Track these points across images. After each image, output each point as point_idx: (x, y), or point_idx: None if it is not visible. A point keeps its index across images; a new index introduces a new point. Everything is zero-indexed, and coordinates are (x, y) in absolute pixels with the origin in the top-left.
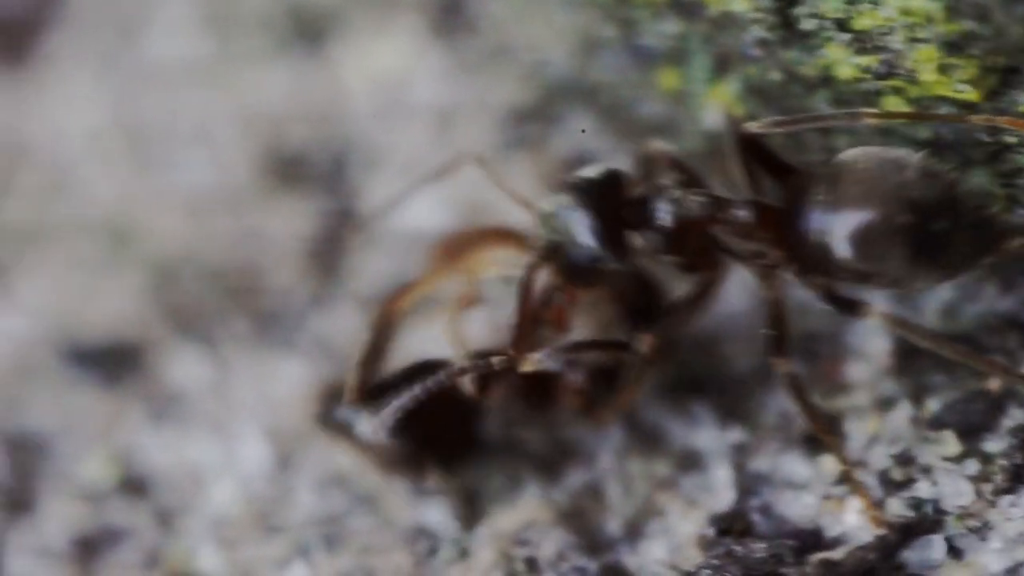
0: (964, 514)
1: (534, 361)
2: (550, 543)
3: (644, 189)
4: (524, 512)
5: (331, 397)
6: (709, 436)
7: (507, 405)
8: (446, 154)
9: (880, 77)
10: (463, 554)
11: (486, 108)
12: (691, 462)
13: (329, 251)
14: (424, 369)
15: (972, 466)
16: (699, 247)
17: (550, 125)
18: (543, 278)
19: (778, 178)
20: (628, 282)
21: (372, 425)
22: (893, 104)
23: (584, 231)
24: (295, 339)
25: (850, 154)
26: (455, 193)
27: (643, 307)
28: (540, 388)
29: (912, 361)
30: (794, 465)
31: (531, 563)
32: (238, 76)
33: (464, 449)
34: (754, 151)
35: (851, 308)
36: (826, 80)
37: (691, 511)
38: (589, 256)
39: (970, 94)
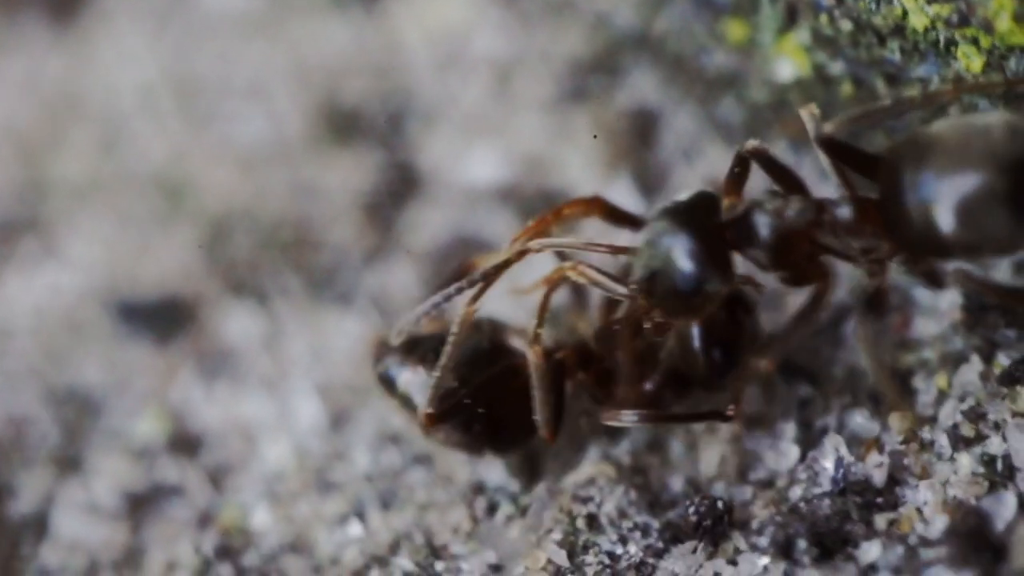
0: None
1: (625, 420)
2: (611, 500)
3: (742, 206)
4: (585, 469)
5: (384, 350)
6: (775, 393)
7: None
8: (507, 108)
9: (954, 26)
10: (523, 511)
11: (547, 61)
12: (756, 419)
13: (385, 206)
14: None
15: None
16: (804, 256)
17: (612, 78)
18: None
19: (866, 170)
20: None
21: (393, 330)
22: (967, 53)
23: (687, 257)
24: (349, 295)
25: (934, 128)
26: (512, 147)
27: (735, 329)
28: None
29: (982, 316)
30: (861, 421)
31: (592, 520)
32: (293, 29)
33: (526, 437)
34: (837, 150)
35: (942, 281)
36: (898, 29)
37: (756, 468)
38: (694, 283)
39: None
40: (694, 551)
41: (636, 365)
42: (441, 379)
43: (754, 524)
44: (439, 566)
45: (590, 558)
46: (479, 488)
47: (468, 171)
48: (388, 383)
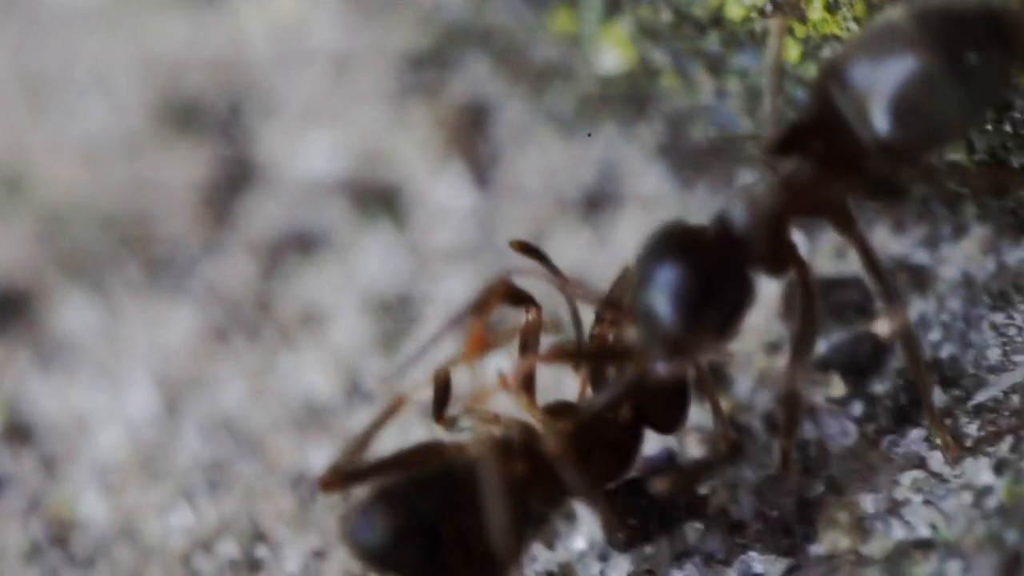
0: (847, 454)
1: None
2: None
3: (715, 217)
4: None
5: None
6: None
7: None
8: (344, 100)
9: (769, 16)
10: (345, 495)
11: (383, 53)
12: None
13: (223, 198)
14: (420, 453)
15: (857, 407)
16: (782, 239)
17: (447, 70)
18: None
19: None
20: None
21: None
22: (783, 44)
23: (686, 293)
24: (186, 286)
25: (848, 45)
26: (348, 139)
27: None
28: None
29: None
30: None
31: None
32: (136, 22)
33: None
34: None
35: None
36: (717, 21)
37: None
38: (691, 325)
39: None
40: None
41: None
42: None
43: None
44: (262, 551)
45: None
46: (305, 474)
47: (305, 163)
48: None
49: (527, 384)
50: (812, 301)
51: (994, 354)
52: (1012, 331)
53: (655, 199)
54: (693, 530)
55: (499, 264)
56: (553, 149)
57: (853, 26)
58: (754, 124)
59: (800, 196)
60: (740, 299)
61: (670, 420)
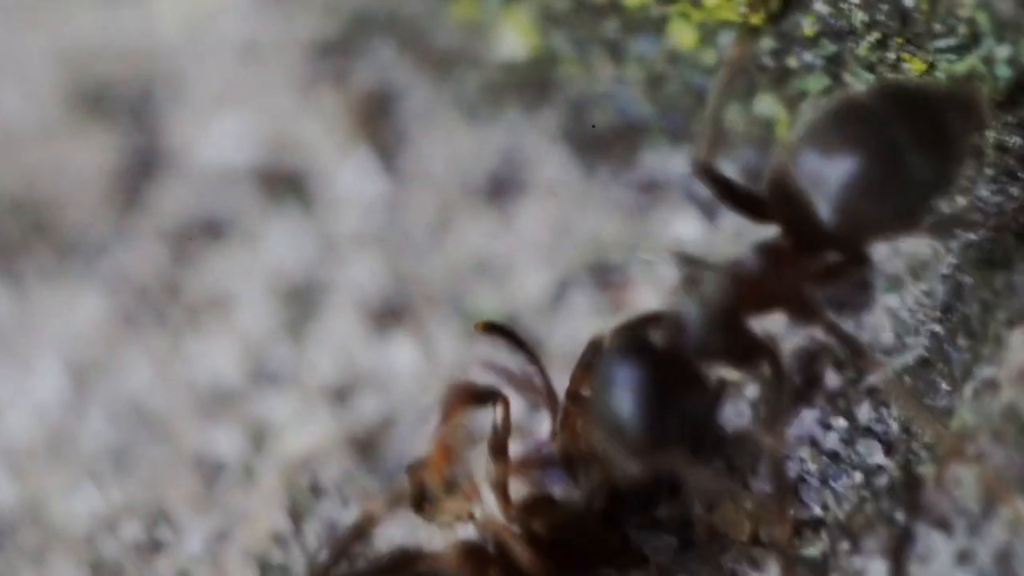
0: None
1: None
2: (336, 468)
3: (666, 321)
4: (313, 438)
5: None
6: None
7: None
8: (253, 87)
9: (666, 2)
10: (250, 479)
11: (292, 41)
12: None
13: (132, 185)
14: (395, 561)
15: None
16: (742, 329)
17: (353, 57)
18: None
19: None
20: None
21: None
22: (679, 29)
23: (644, 404)
24: (95, 271)
25: (797, 133)
26: (259, 127)
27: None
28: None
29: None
30: None
31: (315, 488)
32: (48, 10)
33: None
34: (721, 185)
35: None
36: (615, 6)
37: None
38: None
39: (754, 17)
40: None
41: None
42: None
43: None
44: (166, 533)
45: (313, 524)
46: (209, 456)
47: (214, 149)
48: None
49: (501, 488)
50: (782, 386)
51: (887, 337)
52: (904, 314)
53: (558, 184)
54: None
55: (406, 250)
56: (458, 134)
57: (746, 11)
58: (655, 109)
59: (751, 289)
60: (701, 402)
61: (646, 505)
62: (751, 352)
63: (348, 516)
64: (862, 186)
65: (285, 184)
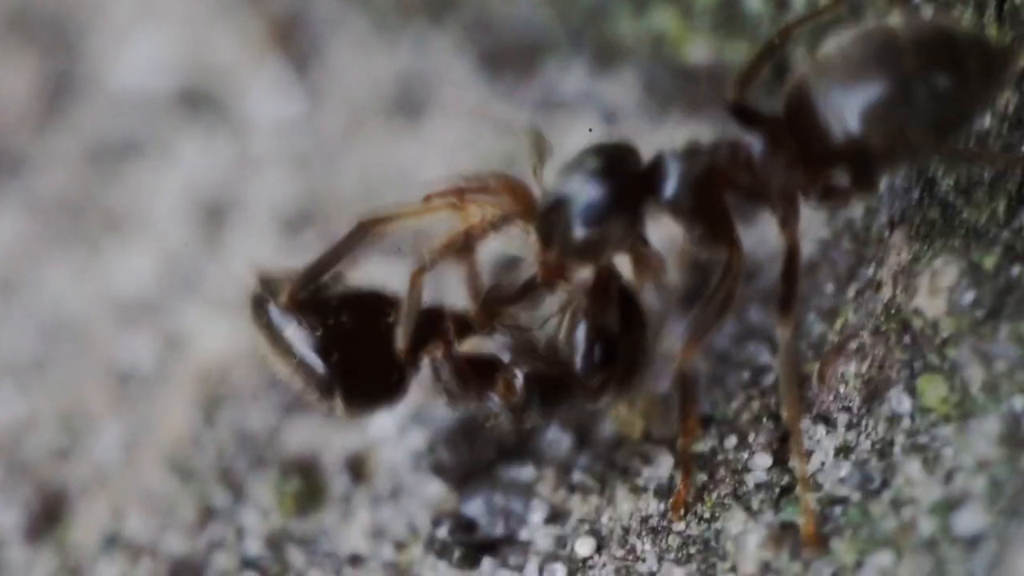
0: None
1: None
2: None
3: (653, 155)
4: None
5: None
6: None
7: (435, 374)
8: (166, 4)
9: None
10: (163, 384)
11: None
12: None
13: (48, 105)
14: (368, 300)
15: None
16: (717, 209)
17: None
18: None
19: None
20: (612, 277)
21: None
22: None
23: (597, 196)
24: (11, 190)
25: (833, 43)
26: (173, 45)
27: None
28: (476, 370)
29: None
30: None
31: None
32: None
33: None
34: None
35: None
36: None
37: None
38: (596, 218)
39: None
40: None
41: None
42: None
43: None
44: (80, 440)
45: (225, 430)
46: (124, 363)
47: (129, 68)
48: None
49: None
50: (732, 285)
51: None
52: None
53: (469, 94)
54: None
55: (318, 163)
56: (371, 47)
57: None
58: (558, 21)
59: (742, 171)
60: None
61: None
62: (716, 231)
63: (259, 421)
64: (876, 111)
65: (200, 101)
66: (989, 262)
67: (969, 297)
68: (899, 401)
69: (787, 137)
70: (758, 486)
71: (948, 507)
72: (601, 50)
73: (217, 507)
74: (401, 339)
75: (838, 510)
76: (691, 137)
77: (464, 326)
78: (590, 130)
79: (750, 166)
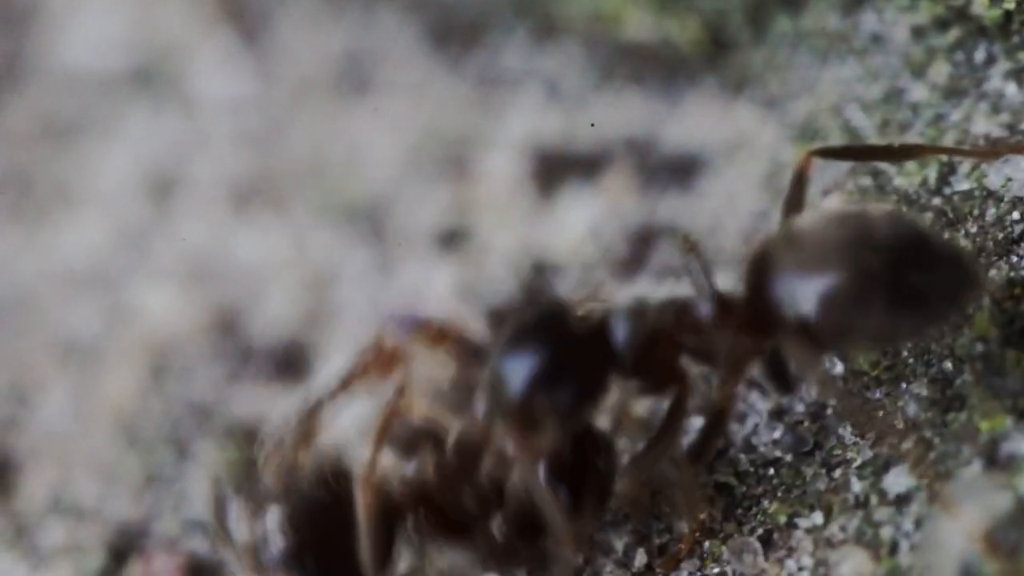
0: None
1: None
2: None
3: (596, 314)
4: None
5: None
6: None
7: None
8: None
9: None
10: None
11: None
12: None
13: None
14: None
15: None
16: (663, 361)
17: None
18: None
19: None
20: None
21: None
22: None
23: (545, 378)
24: None
25: (808, 218)
26: (128, 30)
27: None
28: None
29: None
30: None
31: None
32: None
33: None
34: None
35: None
36: None
37: None
38: (563, 407)
39: None
40: None
41: (480, 506)
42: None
43: None
44: (32, 408)
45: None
46: (72, 335)
47: (76, 45)
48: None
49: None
50: (677, 422)
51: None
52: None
53: (414, 69)
54: None
55: (270, 140)
56: (319, 22)
57: None
58: None
59: (689, 332)
60: (589, 393)
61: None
62: (664, 379)
63: (205, 389)
64: (832, 302)
65: (150, 77)
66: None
67: None
68: (832, 365)
69: (739, 303)
70: None
71: (878, 468)
72: (543, 24)
73: (162, 472)
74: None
75: (771, 471)
76: (638, 296)
77: (424, 493)
78: (592, 124)
79: (697, 329)
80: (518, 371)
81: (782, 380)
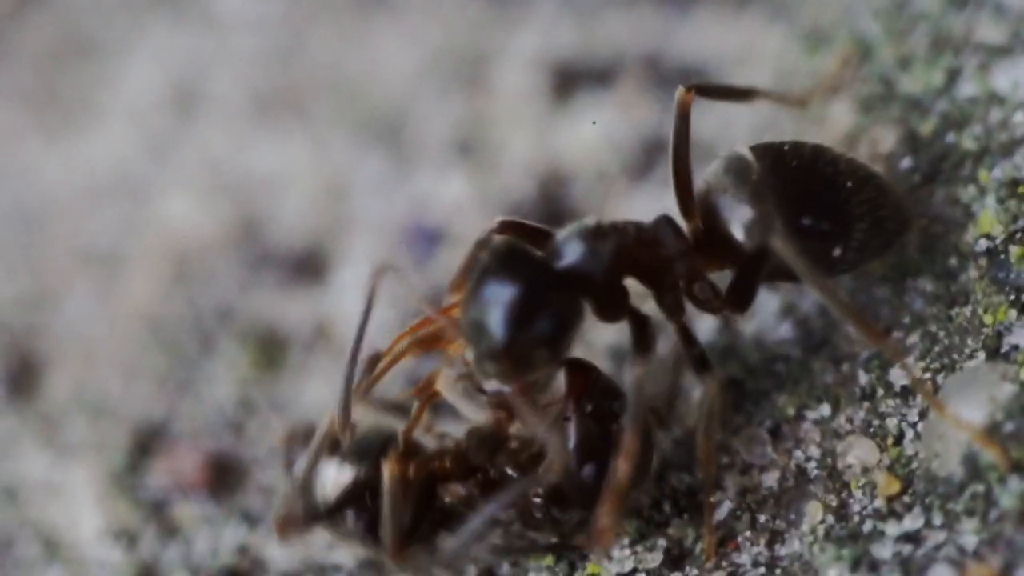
0: None
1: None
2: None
3: (553, 241)
4: None
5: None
6: None
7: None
8: None
9: None
10: (135, 262)
11: None
12: None
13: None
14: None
15: None
16: (617, 287)
17: None
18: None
19: None
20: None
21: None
22: None
23: (522, 314)
24: None
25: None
26: None
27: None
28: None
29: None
30: None
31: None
32: None
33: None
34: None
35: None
36: None
37: None
38: (547, 338)
39: None
40: None
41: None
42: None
43: None
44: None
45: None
46: (95, 243)
47: None
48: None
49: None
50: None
51: None
52: None
53: None
54: None
55: (292, 56)
56: None
57: None
58: None
59: (638, 253)
60: (568, 316)
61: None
62: (619, 310)
63: (225, 292)
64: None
65: None
66: (926, 129)
67: (907, 163)
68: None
69: (695, 229)
70: None
71: (884, 362)
72: None
73: (185, 370)
74: (388, 546)
75: (780, 365)
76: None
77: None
78: (593, 122)
79: (655, 250)
80: (494, 317)
81: (741, 299)
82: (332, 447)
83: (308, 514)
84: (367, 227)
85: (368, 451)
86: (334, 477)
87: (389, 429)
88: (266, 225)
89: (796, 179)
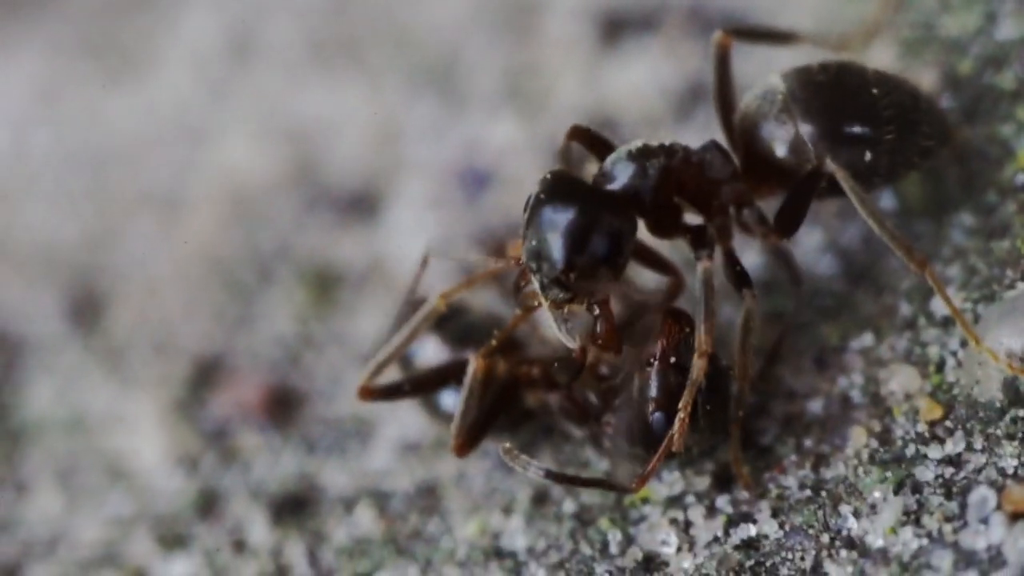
0: None
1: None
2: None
3: (606, 163)
4: None
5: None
6: None
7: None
8: None
9: None
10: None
11: None
12: None
13: None
14: (449, 370)
15: None
16: (669, 203)
17: None
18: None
19: None
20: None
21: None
22: None
23: (580, 235)
24: (38, 31)
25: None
26: None
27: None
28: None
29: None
30: None
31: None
32: None
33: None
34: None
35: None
36: None
37: None
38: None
39: None
40: None
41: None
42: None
43: None
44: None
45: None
46: (161, 187)
47: None
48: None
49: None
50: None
51: None
52: None
53: None
54: None
55: (347, 4)
56: None
57: None
58: None
59: (686, 173)
60: (622, 232)
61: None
62: (672, 228)
63: (283, 231)
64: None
65: None
66: (965, 69)
67: (947, 102)
68: (883, 198)
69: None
70: None
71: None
72: None
73: (245, 304)
74: (454, 437)
75: (826, 298)
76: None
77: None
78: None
79: (701, 178)
80: (552, 243)
81: (789, 223)
82: (438, 323)
83: (396, 385)
84: (418, 169)
85: (470, 338)
86: (432, 354)
87: (496, 321)
88: (321, 166)
89: (823, 90)
